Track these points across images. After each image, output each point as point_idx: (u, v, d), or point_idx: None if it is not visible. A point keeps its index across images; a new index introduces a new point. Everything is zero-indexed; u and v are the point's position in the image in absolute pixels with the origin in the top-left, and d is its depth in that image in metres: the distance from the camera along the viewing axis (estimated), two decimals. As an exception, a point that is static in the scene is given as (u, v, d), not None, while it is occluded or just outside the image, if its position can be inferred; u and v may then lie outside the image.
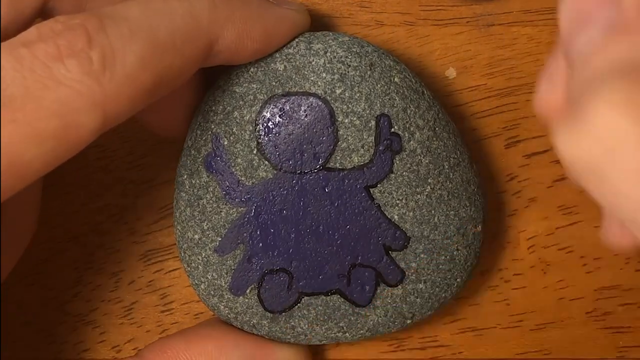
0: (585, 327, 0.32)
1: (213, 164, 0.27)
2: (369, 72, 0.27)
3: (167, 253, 0.32)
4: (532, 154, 0.31)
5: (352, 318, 0.28)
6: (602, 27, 0.20)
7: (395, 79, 0.27)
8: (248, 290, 0.28)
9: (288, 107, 0.27)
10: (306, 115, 0.27)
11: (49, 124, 0.20)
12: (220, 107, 0.27)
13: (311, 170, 0.27)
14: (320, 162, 0.27)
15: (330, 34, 0.27)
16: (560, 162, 0.31)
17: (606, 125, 0.17)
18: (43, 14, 0.25)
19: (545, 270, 0.32)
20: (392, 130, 0.27)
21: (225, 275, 0.28)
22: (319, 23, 0.31)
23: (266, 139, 0.27)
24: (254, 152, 0.27)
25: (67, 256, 0.32)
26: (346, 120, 0.27)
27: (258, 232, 0.27)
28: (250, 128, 0.27)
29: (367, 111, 0.27)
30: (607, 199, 0.18)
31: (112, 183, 0.32)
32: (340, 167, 0.27)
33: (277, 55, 0.27)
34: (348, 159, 0.27)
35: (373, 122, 0.27)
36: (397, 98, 0.27)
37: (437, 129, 0.28)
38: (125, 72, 0.22)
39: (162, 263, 0.32)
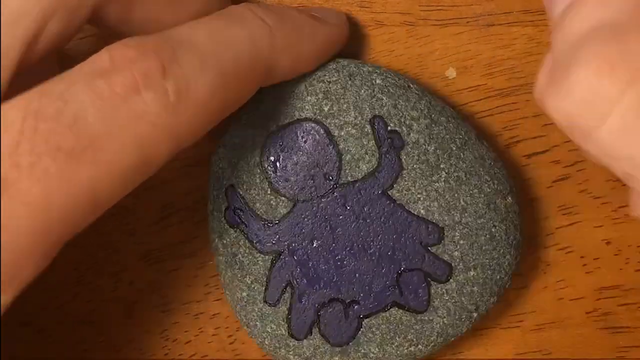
0: (585, 327, 0.32)
1: (235, 217, 0.27)
2: (349, 82, 0.27)
3: (167, 253, 0.32)
4: (532, 154, 0.31)
5: (418, 327, 0.28)
6: None
7: (377, 81, 0.27)
8: (309, 331, 0.28)
9: (286, 140, 0.27)
10: (305, 141, 0.27)
11: (130, 160, 0.21)
12: (226, 162, 0.28)
13: (327, 192, 0.27)
14: (332, 181, 0.27)
15: None
16: (560, 162, 0.31)
17: (589, 88, 0.19)
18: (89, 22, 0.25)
19: (545, 270, 0.32)
20: (389, 128, 0.27)
21: (282, 323, 0.28)
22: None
23: (276, 176, 0.27)
24: (269, 192, 0.27)
25: (67, 256, 0.31)
26: (342, 133, 0.27)
27: (298, 270, 0.27)
28: (258, 171, 0.27)
29: (359, 118, 0.27)
30: (597, 157, 0.20)
31: (112, 183, 0.32)
32: (352, 180, 0.27)
33: (257, 94, 0.27)
34: (357, 169, 0.27)
35: (368, 127, 0.27)
36: (384, 98, 0.27)
37: (433, 115, 0.28)
38: (197, 102, 0.22)
39: (162, 263, 0.32)
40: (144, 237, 0.32)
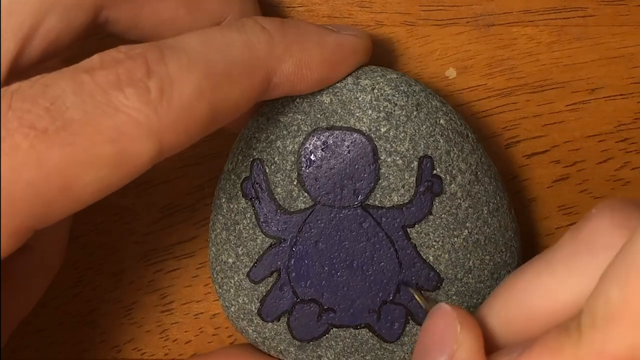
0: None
1: (252, 190, 0.27)
2: (415, 113, 0.27)
3: (167, 253, 0.32)
4: (532, 154, 0.31)
5: (379, 353, 0.28)
6: None
7: (441, 121, 0.27)
8: (278, 317, 0.28)
9: (331, 141, 0.27)
10: (349, 151, 0.27)
11: (106, 150, 0.21)
12: (264, 135, 0.27)
13: (350, 206, 0.27)
14: (359, 199, 0.27)
15: (379, 69, 0.27)
16: (560, 162, 0.31)
17: None
18: (98, 26, 0.25)
19: (545, 270, 0.32)
20: (434, 172, 0.27)
21: (255, 301, 0.28)
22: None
23: (307, 171, 0.27)
24: (294, 182, 0.27)
25: (67, 256, 0.31)
26: (389, 159, 0.27)
27: (292, 262, 0.27)
28: (292, 159, 0.27)
29: (411, 152, 0.27)
30: None
31: (112, 183, 0.32)
32: (379, 205, 0.27)
33: (324, 87, 0.27)
34: (388, 197, 0.27)
35: (415, 163, 0.27)
36: (441, 140, 0.27)
37: (479, 173, 0.28)
38: (181, 102, 0.22)
39: (162, 263, 0.32)
40: (144, 237, 0.32)
